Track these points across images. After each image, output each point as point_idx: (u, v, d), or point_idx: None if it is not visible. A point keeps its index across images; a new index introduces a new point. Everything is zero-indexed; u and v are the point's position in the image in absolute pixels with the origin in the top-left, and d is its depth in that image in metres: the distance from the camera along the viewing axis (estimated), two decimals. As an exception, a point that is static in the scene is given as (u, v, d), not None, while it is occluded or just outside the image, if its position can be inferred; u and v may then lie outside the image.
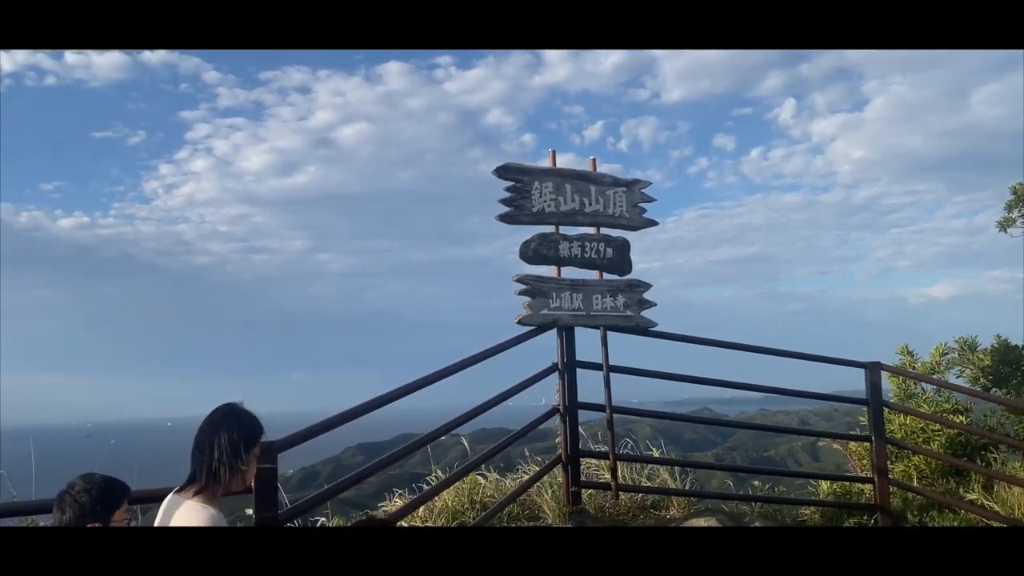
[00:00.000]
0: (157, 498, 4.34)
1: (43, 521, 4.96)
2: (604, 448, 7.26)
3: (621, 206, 7.19)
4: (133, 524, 2.99)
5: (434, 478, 6.81)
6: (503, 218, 6.80)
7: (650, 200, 7.36)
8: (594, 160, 7.31)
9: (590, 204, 7.05)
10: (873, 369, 8.17)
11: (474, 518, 6.45)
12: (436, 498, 6.45)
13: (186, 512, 2.78)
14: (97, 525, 2.67)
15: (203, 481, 2.80)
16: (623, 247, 7.24)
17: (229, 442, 2.80)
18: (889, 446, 8.37)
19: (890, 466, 8.40)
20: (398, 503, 6.56)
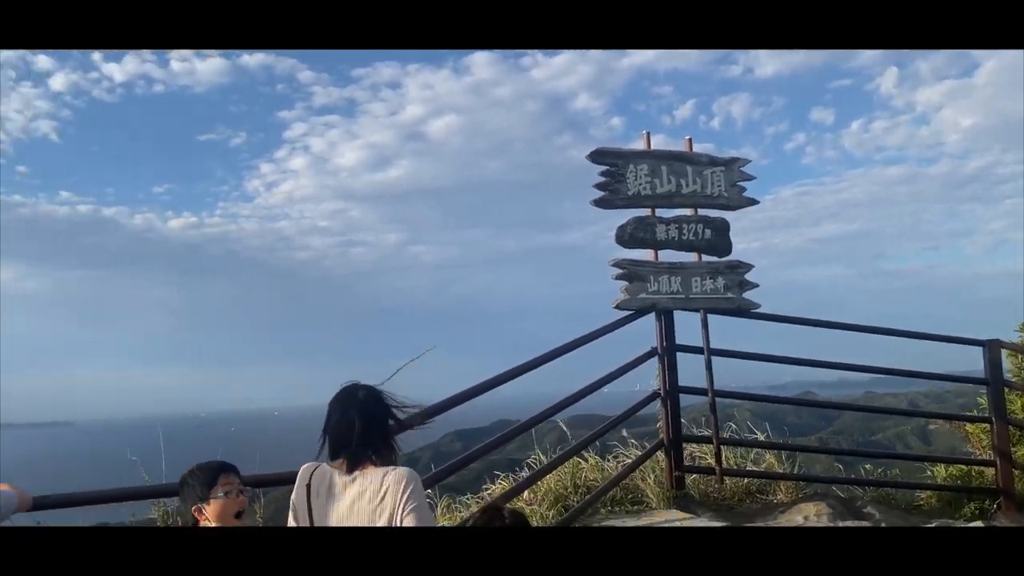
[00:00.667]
0: (280, 481, 4.55)
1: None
2: (705, 432, 7.18)
3: (719, 186, 7.05)
4: (249, 499, 3.14)
5: (536, 461, 6.88)
6: (598, 203, 6.78)
7: (750, 178, 7.20)
8: (690, 140, 7.20)
9: (687, 185, 6.95)
10: (992, 347, 7.77)
11: (578, 501, 6.49)
12: (540, 481, 6.51)
13: (377, 476, 2.80)
14: (201, 505, 2.93)
15: (373, 455, 2.86)
16: (722, 227, 7.11)
17: (373, 414, 2.89)
18: (1011, 427, 7.95)
19: (1012, 449, 7.98)
20: (503, 486, 6.66)
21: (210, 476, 2.98)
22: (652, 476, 6.98)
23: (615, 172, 6.76)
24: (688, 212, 7.04)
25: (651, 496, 6.77)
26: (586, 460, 7.17)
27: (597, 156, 6.75)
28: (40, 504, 3.81)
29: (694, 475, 7.18)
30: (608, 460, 7.30)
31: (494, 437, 5.83)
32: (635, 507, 6.77)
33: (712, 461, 7.07)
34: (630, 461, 7.01)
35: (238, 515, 2.99)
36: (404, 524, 2.74)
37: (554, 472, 6.66)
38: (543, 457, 6.94)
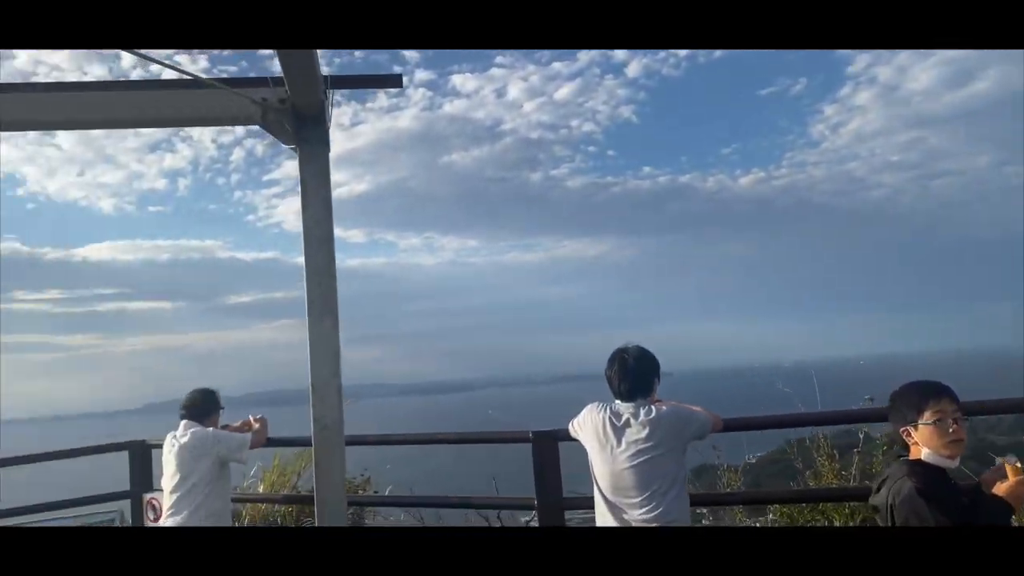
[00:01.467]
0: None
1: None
2: None
3: None
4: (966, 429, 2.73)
5: None
6: None
7: None
8: None
9: None
10: None
11: None
12: None
13: None
14: (909, 428, 2.71)
15: None
16: None
17: None
18: None
19: None
20: None
21: (918, 399, 2.68)
22: None
23: None
24: None
25: None
26: None
27: None
28: (729, 427, 3.92)
29: None
30: None
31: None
32: None
33: None
34: None
35: (954, 444, 2.60)
36: None
37: None
38: None
